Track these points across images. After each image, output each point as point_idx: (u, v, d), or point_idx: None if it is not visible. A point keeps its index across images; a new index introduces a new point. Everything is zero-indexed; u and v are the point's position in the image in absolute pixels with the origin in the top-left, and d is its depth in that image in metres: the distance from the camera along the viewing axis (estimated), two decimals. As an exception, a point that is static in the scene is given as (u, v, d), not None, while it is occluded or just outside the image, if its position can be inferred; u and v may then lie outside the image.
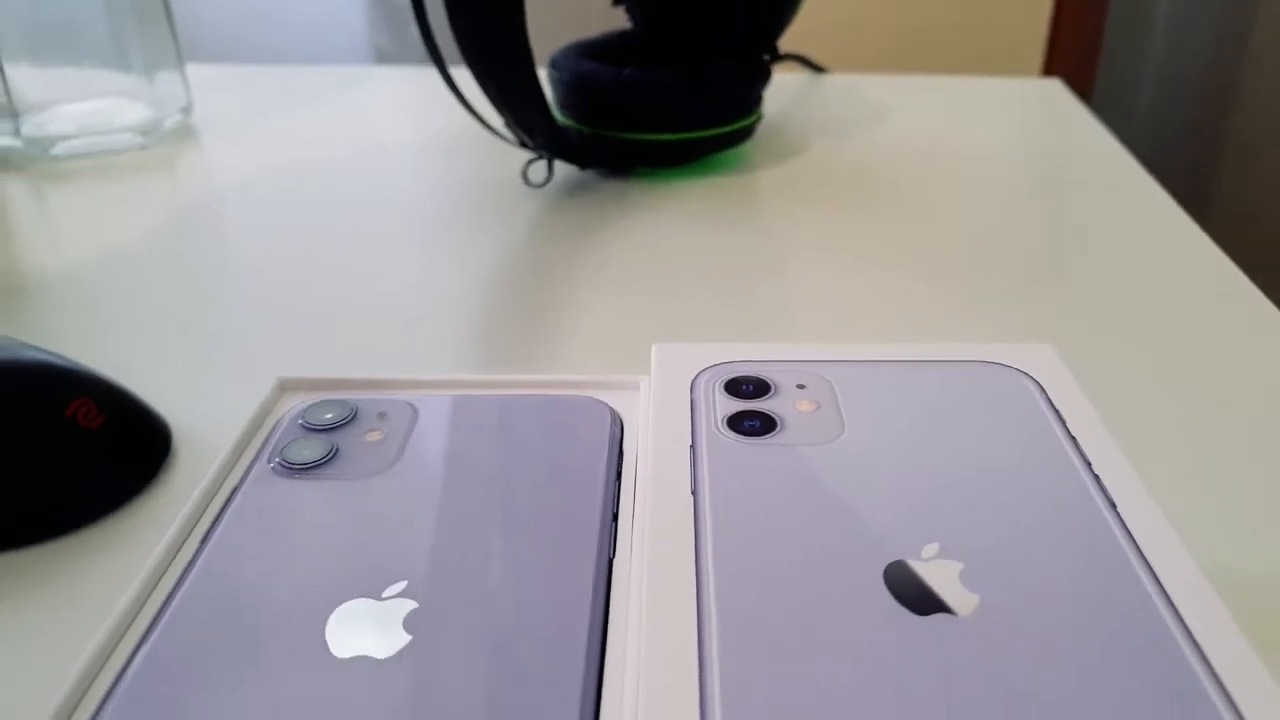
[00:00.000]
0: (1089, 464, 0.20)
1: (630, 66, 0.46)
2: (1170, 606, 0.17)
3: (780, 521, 0.18)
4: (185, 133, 0.56)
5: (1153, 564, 0.17)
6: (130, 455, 0.28)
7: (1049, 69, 1.13)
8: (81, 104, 0.53)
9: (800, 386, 0.22)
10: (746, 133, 0.49)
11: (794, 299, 0.37)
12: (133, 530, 0.26)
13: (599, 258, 0.41)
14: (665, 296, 0.37)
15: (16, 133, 0.51)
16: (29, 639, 0.22)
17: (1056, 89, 0.63)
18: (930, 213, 0.45)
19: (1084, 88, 1.23)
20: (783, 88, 0.62)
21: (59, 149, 0.52)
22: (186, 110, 0.56)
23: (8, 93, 0.51)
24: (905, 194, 0.47)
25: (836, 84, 0.64)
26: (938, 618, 0.16)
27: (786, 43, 0.53)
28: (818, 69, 0.65)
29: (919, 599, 0.16)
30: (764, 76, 0.48)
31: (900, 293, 0.37)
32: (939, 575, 0.17)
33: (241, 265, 0.41)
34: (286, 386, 0.24)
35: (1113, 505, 0.19)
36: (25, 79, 0.51)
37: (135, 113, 0.54)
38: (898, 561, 0.17)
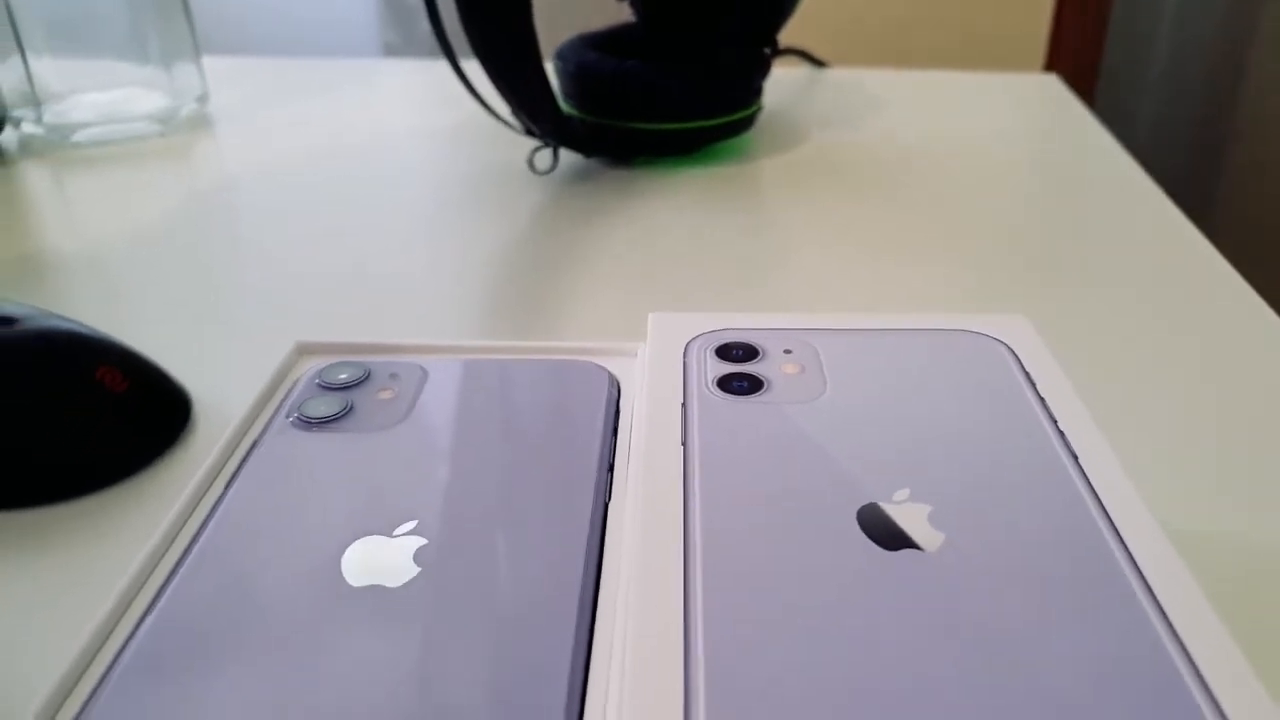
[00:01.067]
0: (1055, 422, 0.21)
1: (633, 58, 0.47)
2: (1124, 549, 0.18)
3: (763, 469, 0.20)
4: (201, 121, 0.58)
5: (1109, 510, 0.19)
6: (154, 418, 0.30)
7: (1051, 66, 1.15)
8: (102, 93, 0.55)
9: (787, 351, 0.24)
10: (747, 123, 0.50)
11: (791, 283, 0.39)
12: (158, 489, 0.27)
13: (602, 242, 0.42)
14: (665, 279, 0.39)
15: (39, 120, 0.53)
16: (64, 587, 0.24)
17: (1053, 84, 0.64)
18: (926, 201, 0.46)
19: (1087, 85, 1.24)
20: (784, 82, 0.64)
21: (80, 136, 0.54)
22: (202, 100, 0.58)
23: (31, 82, 0.52)
24: (902, 183, 0.48)
25: (836, 78, 0.65)
26: (906, 553, 0.17)
27: (790, 39, 0.54)
28: (819, 63, 0.67)
29: (889, 537, 0.18)
30: (763, 68, 0.50)
31: (894, 277, 0.39)
32: (908, 516, 0.18)
33: (255, 247, 0.42)
34: (304, 350, 0.25)
35: (1075, 458, 0.20)
36: (48, 69, 0.53)
37: (153, 102, 0.56)
38: (870, 504, 0.19)
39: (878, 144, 0.53)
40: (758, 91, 0.50)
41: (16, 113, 0.53)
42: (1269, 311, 0.36)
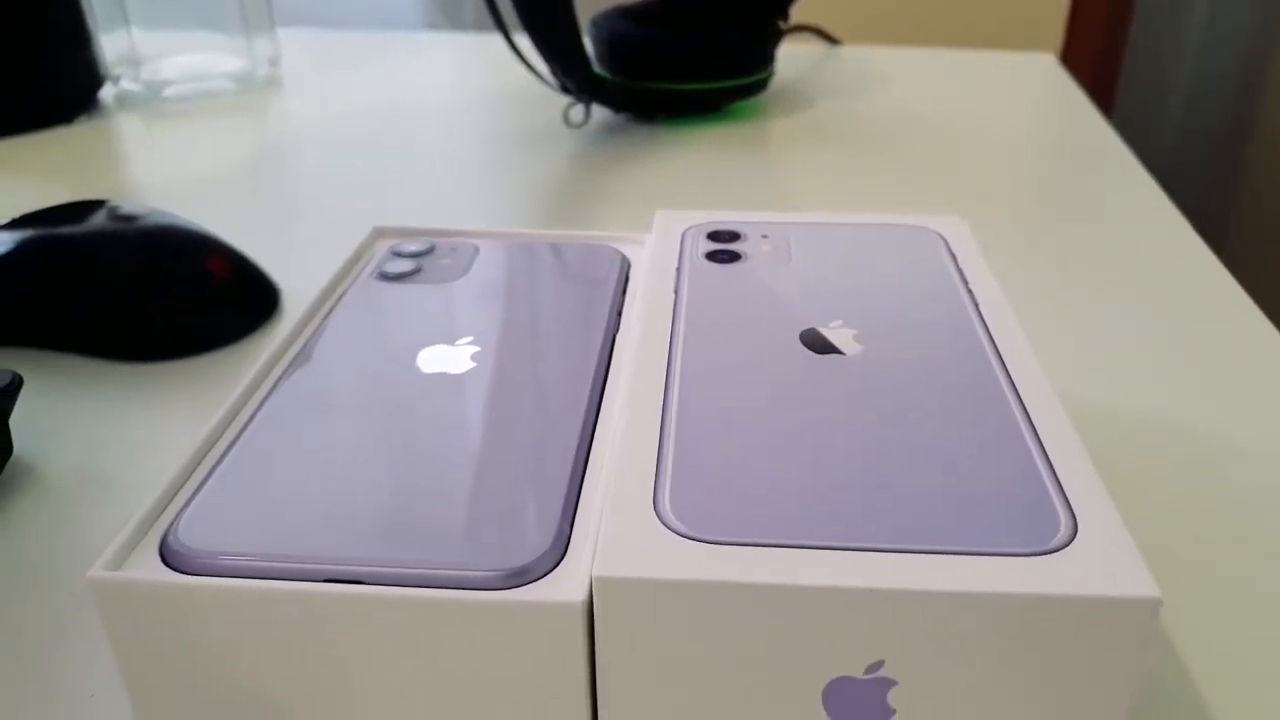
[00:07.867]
0: (967, 284, 0.27)
1: (658, 27, 0.53)
2: (1001, 363, 0.24)
3: (732, 309, 0.26)
4: (274, 81, 0.65)
5: (996, 341, 0.25)
6: (251, 301, 0.36)
7: (1068, 50, 1.18)
8: (189, 56, 0.62)
9: (764, 236, 0.30)
10: (759, 87, 0.56)
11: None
12: (255, 351, 0.34)
13: (625, 181, 0.48)
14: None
15: (136, 79, 0.60)
16: (179, 420, 0.30)
17: (1050, 63, 0.70)
18: (917, 160, 0.52)
19: (1108, 76, 1.27)
20: (798, 57, 0.70)
21: (169, 92, 0.61)
22: (275, 63, 0.65)
23: (132, 46, 0.59)
24: (896, 144, 0.54)
25: (848, 54, 0.71)
26: (832, 356, 0.23)
27: (808, 17, 0.60)
28: (833, 40, 0.72)
29: (821, 347, 0.24)
30: (776, 37, 0.55)
31: (877, 210, 0.45)
32: (838, 335, 0.24)
33: (322, 184, 0.49)
34: (379, 233, 0.32)
35: (977, 307, 0.26)
36: (145, 36, 0.60)
37: (233, 64, 0.63)
38: (810, 328, 0.25)
39: (878, 110, 0.59)
40: (770, 58, 0.56)
41: (116, 72, 0.60)
42: (1226, 273, 0.41)
